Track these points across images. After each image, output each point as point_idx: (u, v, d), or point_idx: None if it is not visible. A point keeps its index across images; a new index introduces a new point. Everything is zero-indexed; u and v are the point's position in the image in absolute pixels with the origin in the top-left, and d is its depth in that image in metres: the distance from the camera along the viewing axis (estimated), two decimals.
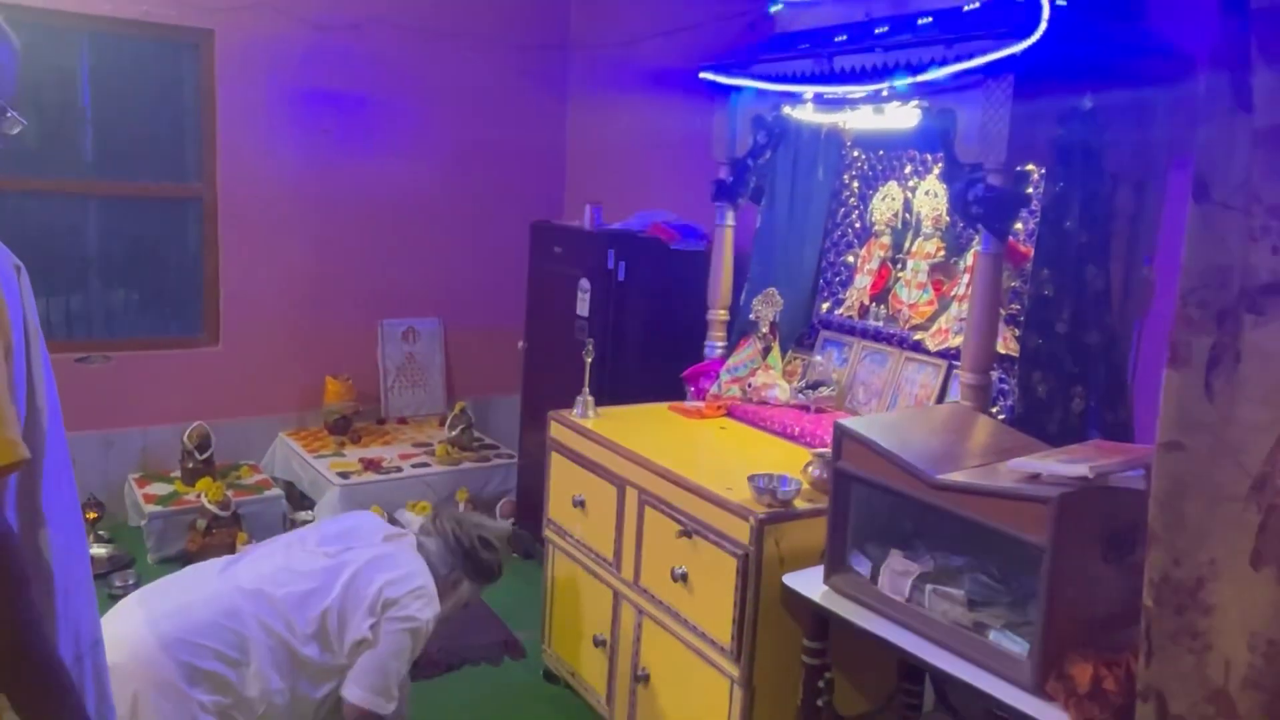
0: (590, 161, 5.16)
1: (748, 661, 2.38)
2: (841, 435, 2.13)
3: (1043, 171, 2.66)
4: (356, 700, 2.27)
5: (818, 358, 3.31)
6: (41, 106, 4.22)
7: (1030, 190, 2.68)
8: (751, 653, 2.37)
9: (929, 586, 2.02)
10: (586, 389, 3.17)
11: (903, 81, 2.56)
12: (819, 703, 2.24)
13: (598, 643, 2.98)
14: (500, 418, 5.24)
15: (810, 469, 2.52)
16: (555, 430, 3.20)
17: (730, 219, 3.41)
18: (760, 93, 3.14)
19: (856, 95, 2.86)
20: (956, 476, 1.91)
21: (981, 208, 2.43)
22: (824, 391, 3.19)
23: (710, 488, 2.49)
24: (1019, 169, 2.53)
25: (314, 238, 4.84)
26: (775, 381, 3.25)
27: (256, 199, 4.66)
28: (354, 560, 2.35)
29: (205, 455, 4.39)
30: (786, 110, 3.18)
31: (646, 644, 2.78)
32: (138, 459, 4.56)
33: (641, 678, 2.78)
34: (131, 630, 2.14)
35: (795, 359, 3.46)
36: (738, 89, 3.22)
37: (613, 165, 4.90)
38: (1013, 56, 2.34)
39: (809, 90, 2.88)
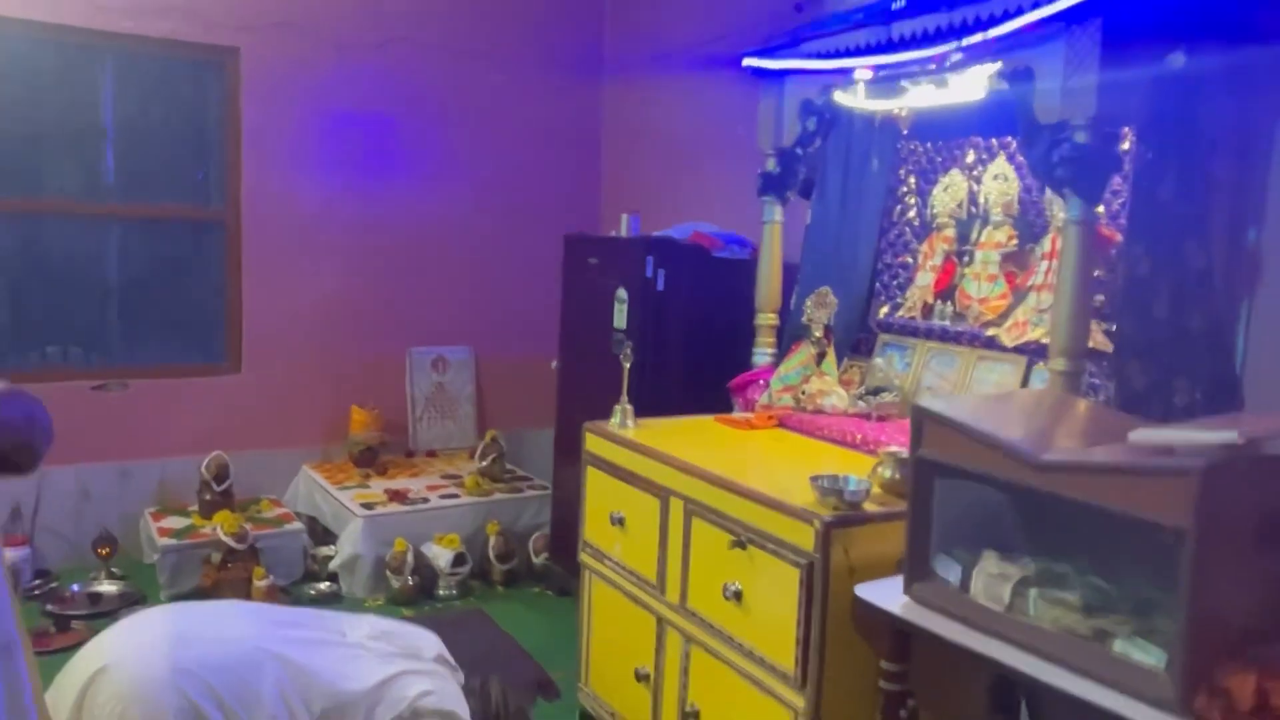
0: (626, 179, 4.96)
1: (814, 690, 2.05)
2: (922, 418, 1.84)
3: (1132, 139, 2.39)
4: None
5: (878, 360, 3.02)
6: (62, 125, 4.10)
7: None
8: (819, 680, 2.05)
9: (1033, 591, 1.70)
10: (625, 397, 2.90)
11: (972, 40, 2.31)
12: None
13: (640, 677, 2.66)
14: (534, 452, 4.97)
15: (880, 470, 2.22)
16: (591, 443, 2.92)
17: (778, 215, 3.16)
18: (809, 76, 2.91)
19: (916, 69, 2.62)
20: (1064, 457, 1.61)
21: (1068, 169, 2.15)
22: (886, 397, 2.89)
23: (767, 492, 2.20)
24: (1107, 131, 2.25)
25: (340, 262, 4.66)
26: (832, 389, 2.97)
27: (280, 222, 4.51)
28: (399, 665, 2.14)
29: (224, 486, 4.16)
30: (838, 96, 2.95)
31: (695, 676, 2.46)
32: (155, 491, 4.34)
33: (690, 715, 2.45)
34: (150, 645, 1.93)
35: (852, 366, 3.17)
36: (784, 74, 2.99)
37: (650, 183, 4.69)
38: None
39: (866, 63, 2.64)
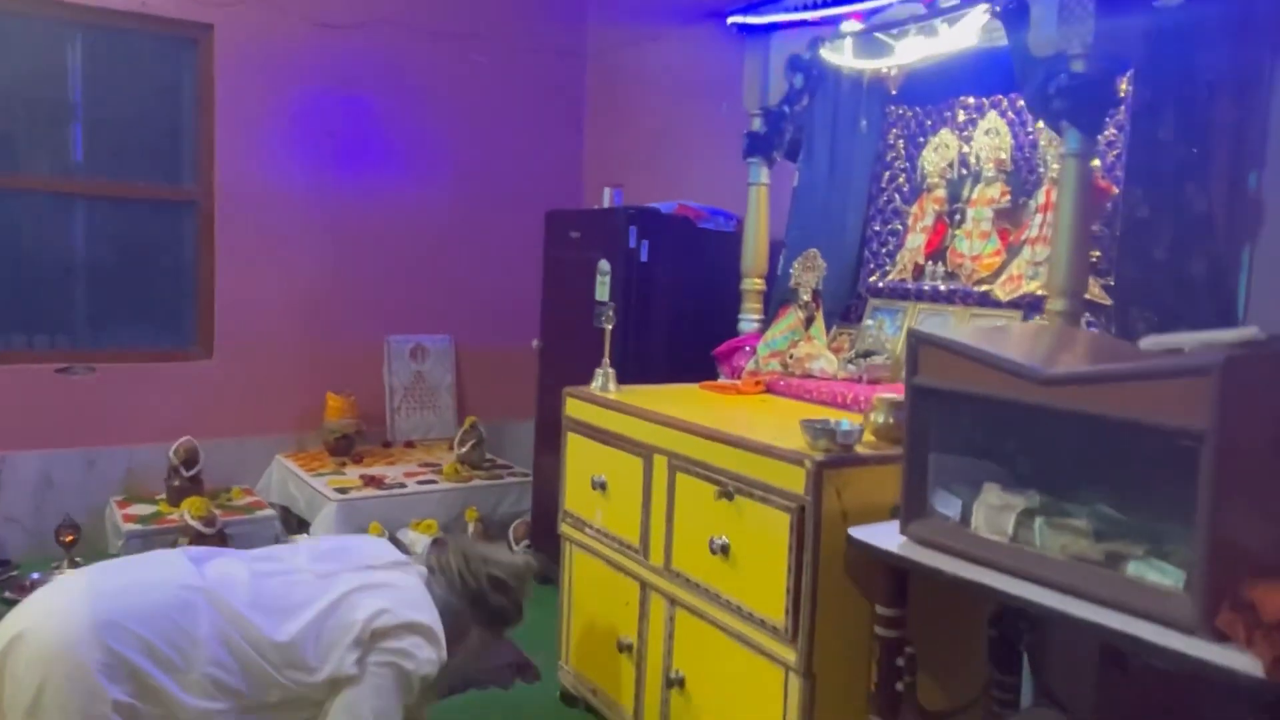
0: (609, 162, 4.86)
1: (806, 643, 1.94)
2: (918, 344, 1.74)
3: (1130, 81, 2.32)
4: None
5: (868, 323, 2.93)
6: (28, 101, 3.99)
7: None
8: (810, 631, 1.94)
9: (1038, 520, 1.60)
10: (607, 360, 2.79)
11: None
12: (898, 685, 1.79)
13: (623, 647, 2.54)
14: (514, 444, 4.84)
15: (874, 415, 2.12)
16: (572, 408, 2.82)
17: (764, 176, 3.08)
18: (796, 30, 2.84)
19: (907, 17, 2.55)
20: (1072, 369, 1.52)
21: (1066, 99, 2.08)
22: (876, 360, 2.80)
23: (756, 438, 2.10)
24: (1104, 63, 2.17)
25: (316, 246, 4.54)
26: (820, 352, 2.87)
27: (255, 204, 4.39)
28: (345, 583, 1.96)
29: (193, 472, 4.02)
30: (825, 51, 2.87)
31: (680, 641, 2.34)
32: (122, 480, 4.18)
33: (675, 682, 2.33)
34: (66, 604, 1.77)
35: (841, 334, 3.07)
36: (770, 31, 2.92)
37: (633, 165, 4.60)
38: None
39: (856, 9, 2.57)
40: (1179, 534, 1.44)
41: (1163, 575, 1.42)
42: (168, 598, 1.78)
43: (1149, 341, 1.45)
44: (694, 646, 2.29)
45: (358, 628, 1.86)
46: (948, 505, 1.75)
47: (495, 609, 2.14)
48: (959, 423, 1.76)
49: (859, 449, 2.00)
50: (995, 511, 1.66)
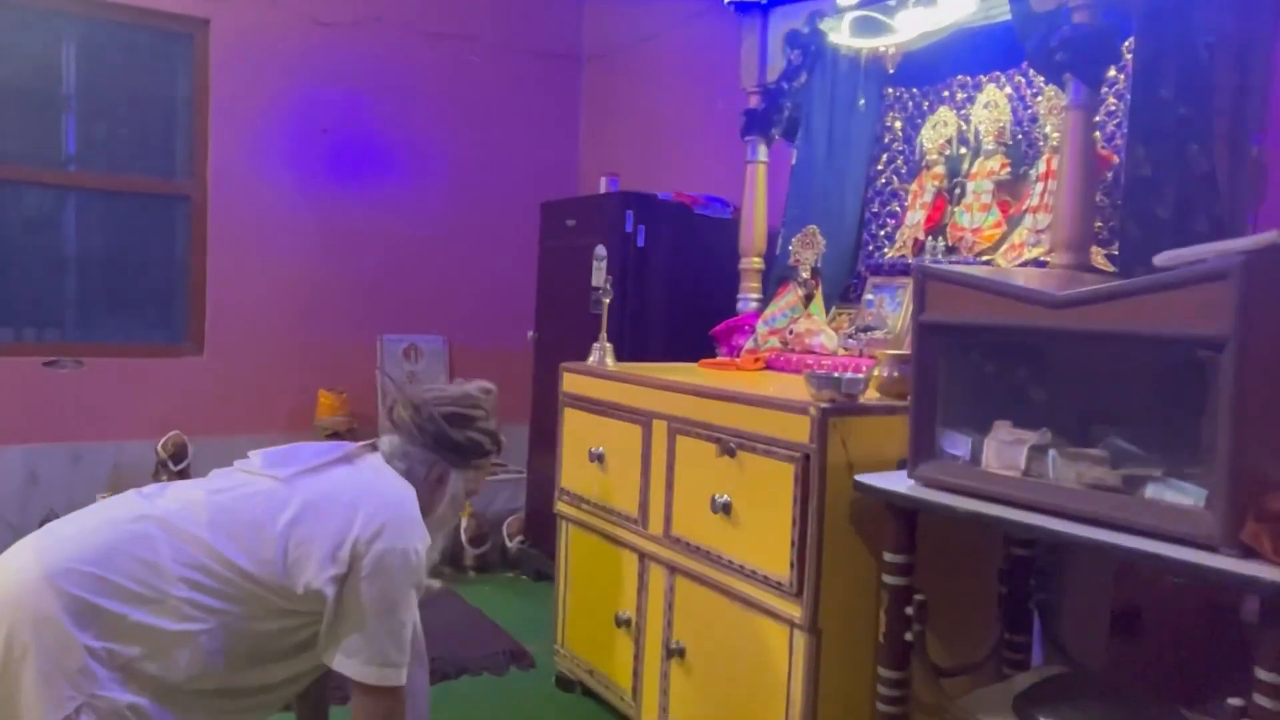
0: (605, 159, 4.82)
1: (812, 597, 1.89)
2: (925, 280, 1.71)
3: (1133, 41, 2.31)
4: (354, 675, 1.73)
5: (868, 297, 2.89)
6: (21, 92, 3.96)
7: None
8: (816, 585, 1.88)
9: (1052, 451, 1.56)
10: (604, 335, 2.76)
11: None
12: (907, 635, 1.74)
13: (620, 622, 2.48)
14: (508, 445, 4.75)
15: (878, 370, 2.08)
16: (569, 383, 2.77)
17: (763, 154, 3.06)
18: (794, 5, 2.83)
19: None
20: (1086, 291, 1.48)
21: (1068, 51, 2.07)
22: (877, 334, 2.76)
23: (759, 393, 2.06)
24: (1106, 19, 2.16)
25: (310, 243, 4.50)
26: (820, 328, 2.84)
27: (249, 199, 4.36)
28: (307, 488, 1.80)
29: (180, 466, 3.95)
30: (824, 26, 2.87)
31: (680, 610, 2.28)
32: (109, 476, 4.11)
33: (675, 652, 2.27)
34: (14, 564, 1.68)
35: (841, 314, 3.04)
36: (769, 8, 2.92)
37: (629, 160, 4.58)
38: None
39: None
40: (1196, 456, 1.40)
41: (1183, 495, 1.38)
42: (120, 534, 1.68)
43: (1164, 256, 1.42)
44: (695, 614, 2.23)
45: (329, 542, 1.72)
46: (956, 446, 1.71)
47: (461, 444, 1.98)
48: (968, 361, 1.72)
49: (863, 401, 1.96)
50: (1007, 446, 1.61)
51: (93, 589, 1.61)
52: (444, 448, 1.95)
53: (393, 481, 1.89)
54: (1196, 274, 1.31)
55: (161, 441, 3.98)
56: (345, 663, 1.73)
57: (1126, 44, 2.30)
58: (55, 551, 1.66)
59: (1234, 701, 1.30)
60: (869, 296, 2.91)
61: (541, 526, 3.86)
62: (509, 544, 4.07)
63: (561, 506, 2.78)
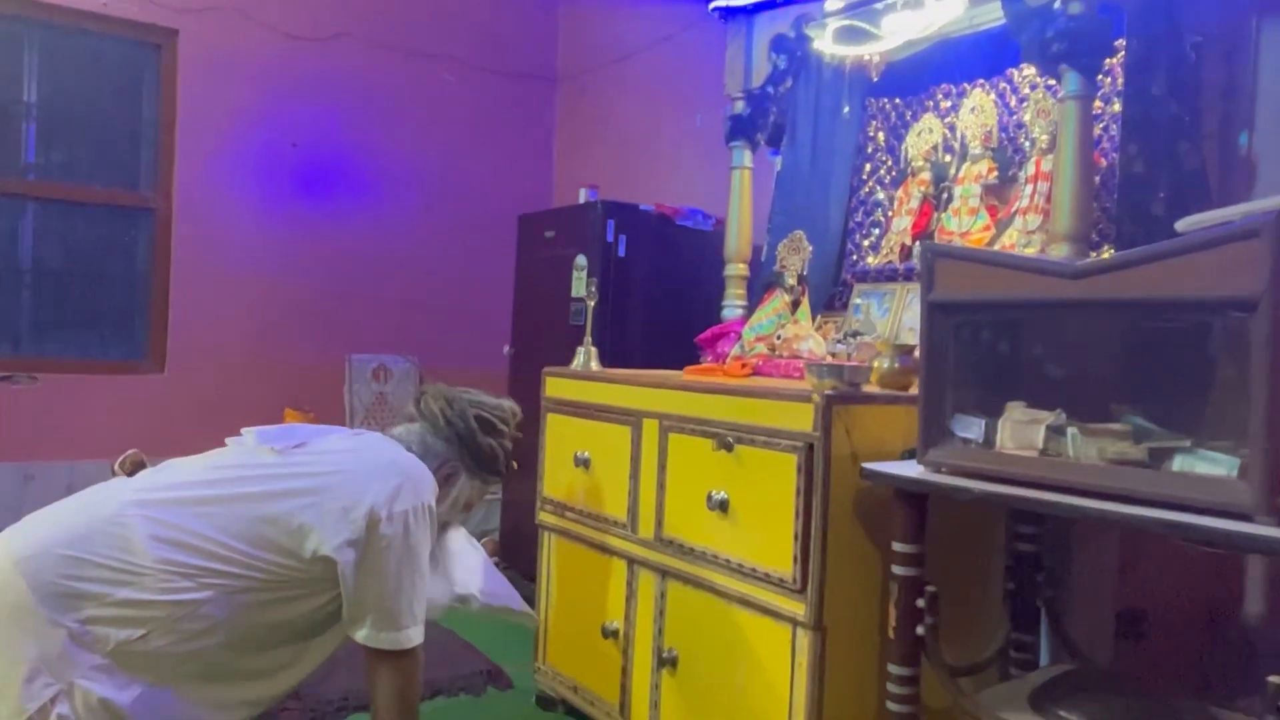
0: (581, 177, 4.79)
1: (816, 593, 1.81)
2: (935, 258, 1.67)
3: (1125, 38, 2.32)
4: (370, 643, 1.69)
5: (857, 302, 2.86)
6: None
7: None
8: (821, 580, 1.81)
9: (1071, 429, 1.51)
10: (589, 338, 2.69)
11: None
12: (919, 629, 1.66)
13: (608, 634, 2.37)
14: None
15: (880, 361, 2.03)
16: (552, 387, 2.69)
17: (748, 159, 3.03)
18: (779, 10, 2.82)
19: None
20: (1103, 261, 1.45)
21: (1064, 42, 2.06)
22: (866, 339, 2.72)
23: (758, 385, 2.00)
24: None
25: (276, 259, 4.40)
26: (808, 333, 2.78)
27: (215, 213, 4.25)
28: (308, 458, 1.77)
29: None
30: (809, 31, 2.86)
31: (672, 616, 2.19)
32: (62, 497, 3.91)
33: (667, 661, 2.17)
34: None
35: (827, 322, 3.00)
36: (753, 13, 2.90)
37: (605, 178, 4.56)
38: None
39: None
40: (1223, 427, 1.36)
41: (1214, 465, 1.33)
42: (92, 516, 1.62)
43: (1185, 221, 1.38)
44: (687, 619, 2.14)
45: (338, 507, 1.66)
46: (968, 429, 1.65)
47: (484, 450, 1.96)
48: (979, 341, 1.67)
49: (867, 390, 1.91)
50: (1022, 427, 1.56)
51: (67, 573, 1.55)
52: (465, 448, 1.93)
53: (397, 448, 1.86)
54: (1225, 234, 1.28)
55: (119, 460, 3.81)
56: (358, 630, 1.70)
57: (1118, 43, 2.32)
58: (25, 540, 1.61)
59: (1275, 679, 1.24)
60: (857, 302, 2.88)
61: (518, 547, 3.75)
62: None
63: (543, 516, 2.68)
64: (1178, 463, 1.37)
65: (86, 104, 4.04)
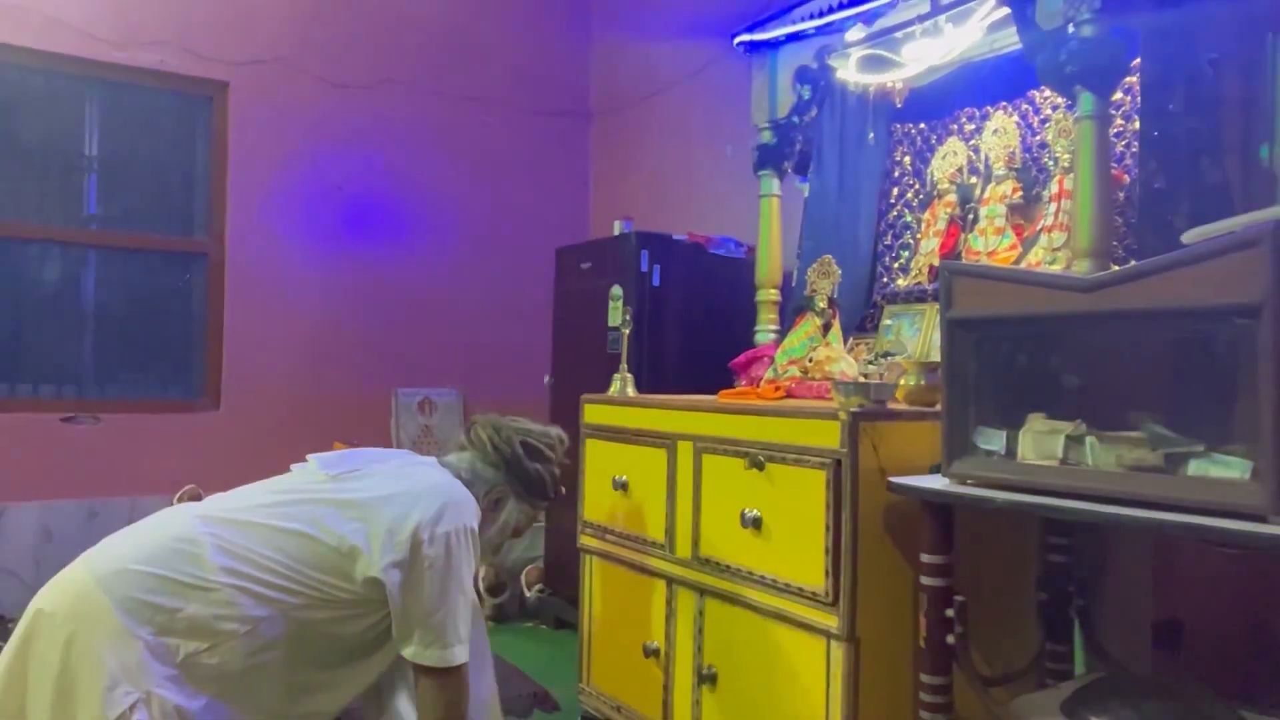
0: (616, 211, 4.91)
1: (848, 605, 1.85)
2: (952, 276, 1.72)
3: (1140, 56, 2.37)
4: (417, 659, 1.80)
5: (887, 323, 2.91)
6: (45, 153, 4.06)
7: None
8: (853, 593, 1.85)
9: (1089, 439, 1.55)
10: (625, 365, 2.77)
11: None
12: (949, 639, 1.70)
13: (649, 653, 2.43)
14: None
15: (905, 379, 2.08)
16: (590, 414, 2.77)
17: (776, 188, 3.11)
18: (803, 42, 2.91)
19: (914, 20, 2.63)
20: (1116, 274, 1.50)
21: (1078, 63, 2.11)
22: (898, 359, 2.76)
23: (786, 405, 2.06)
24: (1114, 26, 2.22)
25: (325, 299, 4.56)
26: (840, 355, 2.83)
27: (266, 256, 4.42)
28: (361, 482, 1.88)
29: None
30: (832, 61, 2.94)
31: (710, 633, 2.24)
32: None
33: (707, 678, 2.22)
34: (69, 574, 1.75)
35: (858, 343, 3.05)
36: (778, 46, 2.99)
37: (642, 209, 4.66)
38: None
39: (861, 10, 2.63)
40: (1236, 431, 1.39)
41: (1227, 469, 1.37)
42: (166, 535, 1.75)
43: (1192, 233, 1.43)
44: (725, 636, 2.19)
45: (384, 530, 1.77)
46: (991, 441, 1.69)
47: (530, 475, 2.07)
48: (998, 356, 1.72)
49: (892, 406, 1.96)
50: (1042, 437, 1.61)
51: (143, 586, 1.67)
52: (512, 473, 2.03)
53: (444, 473, 1.98)
54: (1227, 244, 1.33)
55: (177, 496, 3.96)
56: (405, 646, 1.80)
57: (1134, 63, 2.36)
58: (105, 557, 1.73)
59: None
60: (887, 323, 2.93)
61: (561, 574, 3.82)
62: (528, 593, 4.02)
63: (585, 540, 2.75)
64: (1193, 467, 1.41)
65: (144, 155, 4.24)
